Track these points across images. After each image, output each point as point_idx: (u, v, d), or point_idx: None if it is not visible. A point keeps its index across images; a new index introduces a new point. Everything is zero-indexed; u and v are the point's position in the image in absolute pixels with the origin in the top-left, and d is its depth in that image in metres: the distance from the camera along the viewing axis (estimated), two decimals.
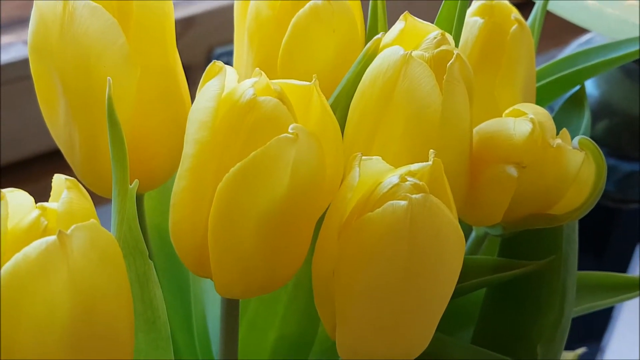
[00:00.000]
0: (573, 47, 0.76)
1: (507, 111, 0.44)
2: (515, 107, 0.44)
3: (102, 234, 0.34)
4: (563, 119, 0.53)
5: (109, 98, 0.37)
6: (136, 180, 0.39)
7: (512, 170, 0.42)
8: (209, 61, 1.00)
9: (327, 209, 0.39)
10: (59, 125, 0.44)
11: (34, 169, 0.88)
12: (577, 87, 0.54)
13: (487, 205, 0.43)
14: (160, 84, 0.44)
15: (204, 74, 0.38)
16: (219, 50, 0.96)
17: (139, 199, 0.48)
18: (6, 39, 0.86)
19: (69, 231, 0.32)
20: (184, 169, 0.38)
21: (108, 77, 0.37)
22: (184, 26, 0.91)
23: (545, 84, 0.54)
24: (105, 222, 0.38)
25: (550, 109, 0.55)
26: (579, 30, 0.72)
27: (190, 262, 0.40)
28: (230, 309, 0.43)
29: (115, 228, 0.39)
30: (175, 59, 0.45)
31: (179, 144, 0.40)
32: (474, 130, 0.44)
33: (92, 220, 0.33)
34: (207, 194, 0.37)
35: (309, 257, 0.40)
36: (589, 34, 0.78)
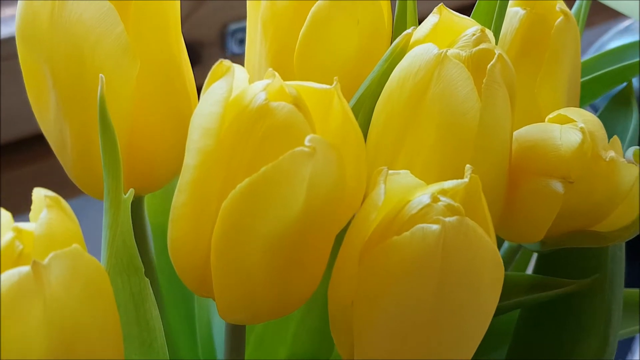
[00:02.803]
0: (611, 35, 0.71)
1: (550, 116, 0.40)
2: (561, 112, 0.40)
3: (86, 262, 0.30)
4: (608, 120, 0.48)
5: (101, 98, 0.34)
6: (131, 189, 0.35)
7: (558, 186, 0.38)
8: (222, 38, 0.98)
9: (347, 224, 0.36)
10: (49, 121, 0.41)
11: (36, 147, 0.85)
12: (624, 85, 0.50)
13: (527, 222, 0.40)
14: (163, 78, 0.40)
15: (209, 73, 0.34)
16: (233, 26, 0.93)
17: (139, 201, 0.45)
18: (9, 11, 0.83)
19: (45, 260, 0.28)
20: (185, 181, 0.34)
21: (100, 75, 0.34)
22: (197, 1, 0.88)
23: (589, 80, 0.49)
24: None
25: (594, 108, 0.51)
26: (605, 12, 0.67)
27: (191, 283, 0.37)
28: (236, 332, 0.39)
29: (106, 245, 0.35)
30: (180, 49, 0.41)
31: (183, 143, 0.36)
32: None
33: (74, 245, 0.29)
34: (210, 211, 0.34)
35: (326, 272, 0.37)
36: (627, 20, 0.73)
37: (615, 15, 0.77)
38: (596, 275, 0.44)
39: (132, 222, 0.44)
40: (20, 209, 0.89)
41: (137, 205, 0.44)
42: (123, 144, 0.39)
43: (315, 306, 0.45)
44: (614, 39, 0.68)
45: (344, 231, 0.36)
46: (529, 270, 0.50)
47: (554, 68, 0.43)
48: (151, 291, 0.37)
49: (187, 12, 0.90)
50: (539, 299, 0.44)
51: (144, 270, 0.36)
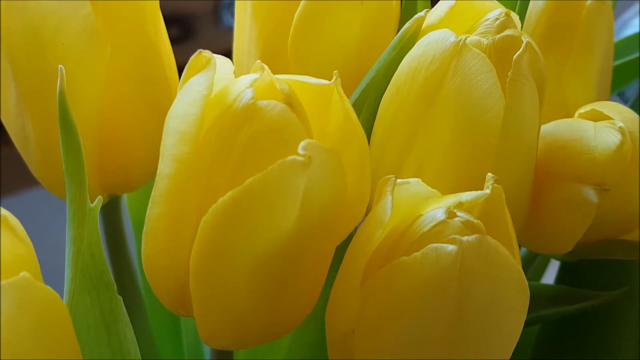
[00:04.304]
0: (635, 11, 0.67)
1: (581, 110, 0.37)
2: (594, 106, 0.36)
3: (37, 292, 0.26)
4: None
5: (61, 94, 0.31)
6: (99, 197, 0.32)
7: (592, 194, 0.35)
8: (216, 10, 0.94)
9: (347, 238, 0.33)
10: (10, 114, 0.38)
11: None
12: None
13: (554, 233, 0.36)
14: (139, 67, 0.37)
15: (186, 67, 0.30)
16: None
17: (115, 202, 0.41)
18: None
19: None
20: (159, 192, 0.30)
21: (60, 66, 0.30)
22: None
23: (617, 66, 0.45)
24: None
25: (621, 97, 0.47)
26: None
27: (169, 304, 0.33)
28: (222, 356, 0.36)
29: (70, 260, 0.32)
30: (159, 33, 0.38)
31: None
32: None
33: (23, 273, 0.26)
34: (188, 227, 0.30)
35: (325, 284, 0.33)
36: None
37: None
38: (626, 287, 0.41)
39: (107, 227, 0.40)
40: (20, 185, 0.85)
41: (112, 207, 0.40)
42: (92, 141, 0.36)
43: (312, 321, 0.41)
44: (637, 16, 0.64)
45: (345, 242, 0.33)
46: (546, 275, 0.46)
47: (585, 56, 0.39)
48: (124, 310, 0.33)
49: None
50: (562, 313, 0.41)
51: (115, 286, 0.33)
